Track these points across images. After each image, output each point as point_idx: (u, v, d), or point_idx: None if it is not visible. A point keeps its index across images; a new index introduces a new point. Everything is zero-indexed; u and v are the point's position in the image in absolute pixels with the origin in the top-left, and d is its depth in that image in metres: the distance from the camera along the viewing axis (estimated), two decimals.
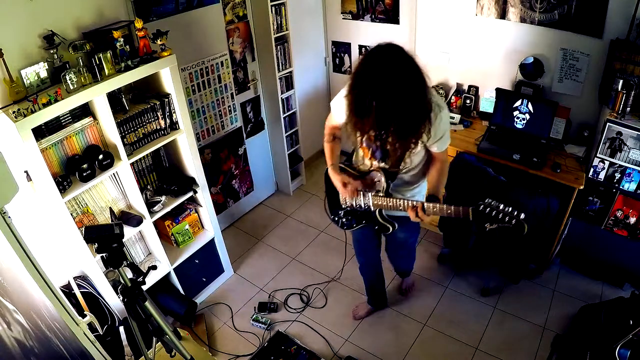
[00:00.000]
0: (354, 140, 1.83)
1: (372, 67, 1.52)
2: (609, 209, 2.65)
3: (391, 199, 1.89)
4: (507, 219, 1.54)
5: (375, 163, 1.94)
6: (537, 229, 2.56)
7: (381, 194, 1.93)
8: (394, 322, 2.72)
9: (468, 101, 3.30)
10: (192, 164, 2.61)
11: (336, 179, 2.03)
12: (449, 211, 1.70)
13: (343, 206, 2.16)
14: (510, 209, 1.54)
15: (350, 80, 1.62)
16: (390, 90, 1.48)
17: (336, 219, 2.24)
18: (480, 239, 2.74)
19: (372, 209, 2.00)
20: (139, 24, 2.13)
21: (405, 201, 1.84)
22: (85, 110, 2.16)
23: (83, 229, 1.63)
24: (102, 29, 2.18)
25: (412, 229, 2.30)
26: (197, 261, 2.90)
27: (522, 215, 1.52)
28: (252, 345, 2.71)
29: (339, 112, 1.91)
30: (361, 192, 2.01)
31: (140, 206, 2.43)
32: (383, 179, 1.91)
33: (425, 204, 1.76)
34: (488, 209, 1.56)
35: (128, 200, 2.48)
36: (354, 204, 2.08)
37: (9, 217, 1.26)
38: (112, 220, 2.36)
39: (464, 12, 3.10)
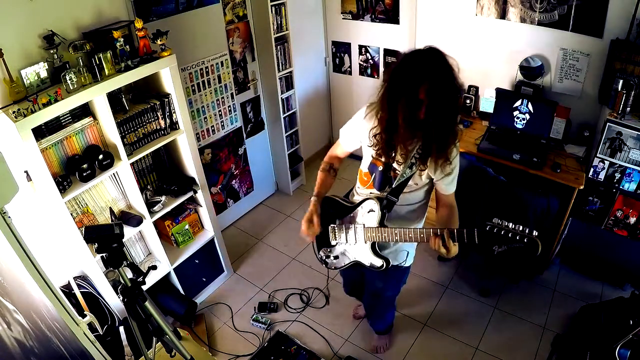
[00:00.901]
0: (370, 160, 1.78)
1: (422, 62, 1.48)
2: (609, 209, 2.65)
3: (385, 229, 1.76)
4: (517, 238, 1.41)
5: (373, 191, 1.83)
6: (537, 229, 2.56)
7: (375, 225, 1.79)
8: (394, 322, 2.71)
9: (468, 101, 3.30)
10: (192, 164, 2.61)
11: (309, 211, 1.88)
12: (452, 237, 1.58)
13: (332, 242, 1.98)
14: (520, 227, 1.42)
15: (388, 77, 1.56)
16: (442, 88, 1.44)
17: (324, 257, 2.04)
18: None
19: (365, 241, 1.86)
20: (139, 24, 2.13)
21: (401, 230, 1.72)
22: (85, 110, 2.16)
23: (83, 229, 1.62)
24: (102, 29, 2.18)
25: (391, 281, 2.10)
26: (197, 261, 2.90)
27: (535, 233, 1.41)
28: (252, 345, 2.71)
29: (348, 136, 1.87)
30: (350, 231, 1.88)
31: (140, 206, 2.43)
32: (378, 209, 1.77)
33: (425, 229, 1.67)
34: (496, 229, 1.44)
35: (128, 200, 2.48)
36: (340, 239, 1.94)
37: (9, 217, 1.26)
38: (112, 220, 2.36)
39: (464, 12, 3.10)
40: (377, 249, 1.87)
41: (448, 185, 1.75)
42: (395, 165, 1.72)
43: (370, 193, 1.85)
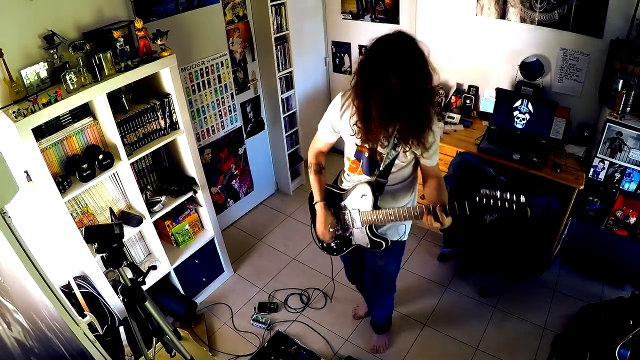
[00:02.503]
0: (351, 147, 1.83)
1: (390, 47, 1.50)
2: (609, 209, 2.65)
3: (380, 212, 1.81)
4: (507, 205, 1.48)
5: (363, 177, 1.87)
6: (537, 229, 2.56)
7: (369, 209, 1.84)
8: (394, 322, 2.71)
9: (468, 101, 3.30)
10: (192, 164, 2.61)
11: (321, 218, 1.95)
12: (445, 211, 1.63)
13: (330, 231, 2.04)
14: (508, 194, 1.49)
15: (360, 65, 1.60)
16: (410, 67, 1.47)
17: (324, 245, 2.11)
18: (482, 240, 2.74)
19: (362, 226, 1.91)
20: (139, 24, 2.13)
21: (396, 210, 1.77)
22: (85, 110, 2.16)
23: (83, 229, 1.63)
24: (102, 29, 2.18)
25: (391, 257, 2.13)
26: (197, 261, 2.90)
27: (523, 199, 1.47)
28: (252, 345, 2.71)
29: (326, 129, 1.89)
30: (347, 217, 1.94)
31: (140, 206, 2.43)
32: (370, 192, 1.82)
33: (417, 205, 1.72)
34: (485, 200, 1.50)
35: (128, 200, 2.48)
36: (343, 230, 2.00)
37: (9, 217, 1.26)
38: (112, 220, 2.36)
39: (464, 12, 3.10)
40: (374, 230, 1.93)
41: (430, 158, 1.79)
42: (379, 149, 1.76)
43: (360, 180, 1.89)
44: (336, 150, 2.08)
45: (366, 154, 1.80)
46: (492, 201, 1.49)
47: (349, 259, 2.40)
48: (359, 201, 1.88)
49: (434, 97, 1.65)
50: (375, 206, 1.84)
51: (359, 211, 1.89)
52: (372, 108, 1.57)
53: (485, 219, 1.52)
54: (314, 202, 1.99)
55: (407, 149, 1.71)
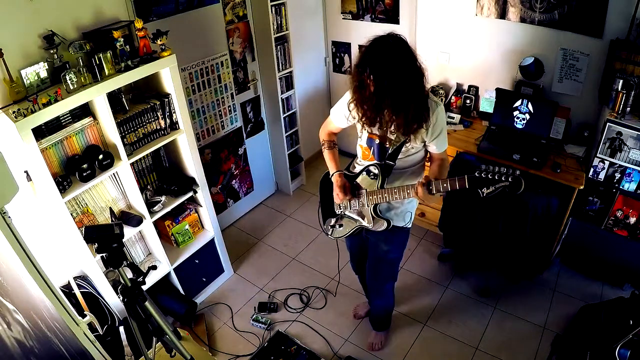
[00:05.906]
0: (360, 130, 1.95)
1: (374, 46, 1.67)
2: (609, 209, 2.65)
3: (386, 190, 1.91)
4: (503, 178, 1.59)
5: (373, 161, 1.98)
6: (537, 229, 2.56)
7: (376, 188, 1.95)
8: (394, 322, 2.72)
9: (468, 101, 3.30)
10: (192, 164, 2.61)
11: (339, 183, 2.01)
12: (445, 184, 1.72)
13: (337, 211, 2.13)
14: (504, 169, 1.60)
15: (357, 61, 1.76)
16: (386, 64, 1.63)
17: (330, 227, 2.20)
18: (482, 239, 2.74)
19: (367, 205, 2.00)
20: (139, 24, 2.13)
21: (400, 188, 1.85)
22: (85, 110, 2.16)
23: (83, 229, 1.63)
24: (102, 29, 2.18)
25: (395, 243, 2.19)
26: (197, 261, 2.90)
27: (518, 172, 1.58)
28: (252, 345, 2.71)
29: (339, 116, 2.03)
30: (355, 194, 2.03)
31: (140, 206, 2.43)
32: (378, 173, 1.94)
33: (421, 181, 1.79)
34: (483, 174, 1.62)
35: (128, 200, 2.48)
36: (349, 206, 2.08)
37: (9, 217, 1.26)
38: (112, 220, 2.36)
39: (464, 12, 3.10)
40: (378, 211, 2.01)
41: (439, 146, 1.91)
42: (389, 135, 1.88)
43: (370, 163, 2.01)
44: (341, 152, 2.11)
45: (377, 141, 1.92)
46: (490, 175, 1.60)
47: (354, 247, 2.44)
48: (367, 181, 1.99)
49: (421, 93, 1.73)
50: (382, 187, 1.94)
51: (367, 191, 1.98)
52: (357, 101, 1.80)
53: (482, 193, 1.61)
54: (330, 174, 2.08)
55: (409, 138, 1.82)
